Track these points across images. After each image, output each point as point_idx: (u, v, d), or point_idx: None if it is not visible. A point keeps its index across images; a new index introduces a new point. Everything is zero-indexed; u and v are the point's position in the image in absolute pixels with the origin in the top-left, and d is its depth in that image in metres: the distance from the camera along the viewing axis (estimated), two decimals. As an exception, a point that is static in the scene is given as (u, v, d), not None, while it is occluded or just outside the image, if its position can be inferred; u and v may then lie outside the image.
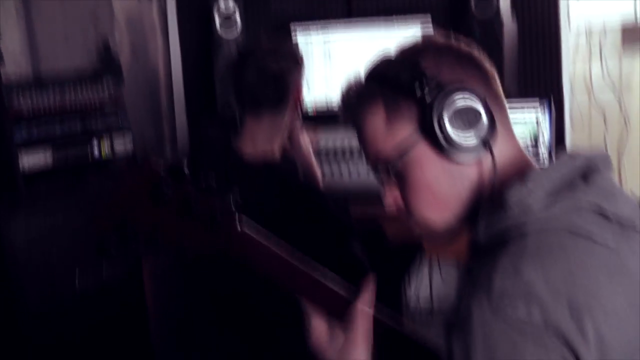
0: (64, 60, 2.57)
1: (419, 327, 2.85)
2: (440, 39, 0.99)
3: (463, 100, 0.88)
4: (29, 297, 2.18)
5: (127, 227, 0.75)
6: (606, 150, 3.07)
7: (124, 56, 2.84)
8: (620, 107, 3.09)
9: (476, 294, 0.80)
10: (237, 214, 0.81)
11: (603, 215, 0.85)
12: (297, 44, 1.82)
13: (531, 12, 2.81)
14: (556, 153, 2.50)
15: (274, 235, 0.96)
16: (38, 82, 2.31)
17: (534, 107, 2.53)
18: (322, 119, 2.69)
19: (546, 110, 2.51)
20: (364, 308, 0.98)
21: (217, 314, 1.91)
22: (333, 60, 2.81)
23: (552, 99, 2.52)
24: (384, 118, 0.94)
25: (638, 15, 3.00)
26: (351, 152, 2.41)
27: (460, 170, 0.92)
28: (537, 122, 2.50)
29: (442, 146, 0.89)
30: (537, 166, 0.93)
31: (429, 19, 2.72)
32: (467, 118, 0.88)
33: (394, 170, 0.94)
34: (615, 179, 2.96)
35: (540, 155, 2.49)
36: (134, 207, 0.76)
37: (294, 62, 1.75)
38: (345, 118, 1.02)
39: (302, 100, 1.80)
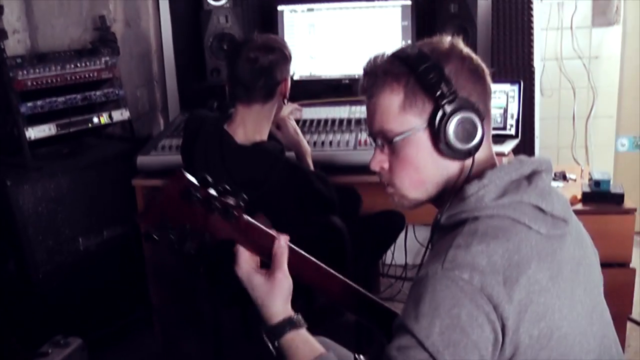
0: (61, 34, 2.69)
1: (394, 281, 3.09)
2: (464, 48, 1.13)
3: (469, 114, 1.07)
4: (37, 251, 2.37)
5: (166, 222, 1.03)
6: (574, 117, 3.30)
7: (118, 27, 2.95)
8: (589, 76, 3.28)
9: (433, 262, 1.02)
10: (243, 208, 1.07)
11: (540, 209, 1.07)
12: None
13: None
14: (523, 125, 2.70)
15: (264, 208, 1.16)
16: (39, 56, 2.45)
17: (505, 85, 2.70)
18: (306, 90, 2.86)
19: (516, 84, 2.69)
20: (282, 241, 1.13)
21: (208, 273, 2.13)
22: (317, 35, 2.95)
23: (521, 82, 2.68)
24: (401, 100, 1.10)
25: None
26: (332, 123, 2.57)
27: (445, 164, 1.11)
28: (507, 95, 2.68)
29: (440, 143, 1.08)
30: (498, 165, 1.14)
31: (409, 0, 2.85)
32: (467, 129, 1.07)
33: (393, 143, 1.11)
34: (582, 147, 3.22)
35: (508, 125, 2.68)
36: (170, 207, 1.03)
37: (283, 57, 1.91)
38: (365, 85, 1.14)
39: (288, 91, 1.97)
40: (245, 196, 1.06)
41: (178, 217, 1.03)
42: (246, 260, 1.11)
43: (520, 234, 1.03)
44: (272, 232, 1.12)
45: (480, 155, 1.12)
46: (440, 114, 1.07)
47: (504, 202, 1.05)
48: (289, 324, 1.09)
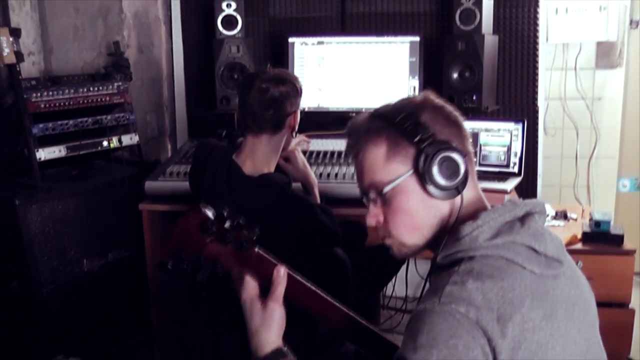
0: (75, 57, 2.75)
1: (394, 313, 3.08)
2: (436, 99, 1.20)
3: (450, 153, 1.12)
4: (41, 270, 2.40)
5: (182, 252, 1.10)
6: (577, 157, 3.34)
7: (131, 53, 3.01)
8: (592, 117, 3.32)
9: (430, 297, 1.06)
10: (256, 242, 1.14)
11: (533, 249, 1.11)
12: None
13: (512, 25, 3.00)
14: (526, 163, 2.74)
15: (268, 239, 1.19)
16: (53, 79, 2.50)
17: (509, 123, 2.75)
18: (314, 121, 2.91)
19: (520, 123, 2.73)
20: (281, 272, 1.15)
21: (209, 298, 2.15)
22: (326, 68, 3.01)
23: (525, 121, 2.73)
24: (385, 151, 1.16)
25: (611, 32, 3.21)
26: (339, 155, 2.61)
27: (435, 204, 1.15)
28: (511, 133, 2.72)
29: (427, 184, 1.12)
30: (489, 207, 1.18)
31: (417, 37, 2.93)
32: (451, 167, 1.12)
33: (384, 194, 1.16)
34: (584, 186, 3.25)
35: (511, 163, 2.71)
36: (187, 238, 1.11)
37: (294, 89, 1.96)
38: (351, 144, 1.22)
39: (297, 125, 2.01)
40: (258, 230, 1.12)
41: (194, 248, 1.10)
42: (251, 290, 1.15)
43: (514, 274, 1.07)
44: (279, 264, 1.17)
45: (468, 194, 1.17)
46: (422, 156, 1.12)
47: (498, 243, 1.09)
48: (280, 355, 1.11)
